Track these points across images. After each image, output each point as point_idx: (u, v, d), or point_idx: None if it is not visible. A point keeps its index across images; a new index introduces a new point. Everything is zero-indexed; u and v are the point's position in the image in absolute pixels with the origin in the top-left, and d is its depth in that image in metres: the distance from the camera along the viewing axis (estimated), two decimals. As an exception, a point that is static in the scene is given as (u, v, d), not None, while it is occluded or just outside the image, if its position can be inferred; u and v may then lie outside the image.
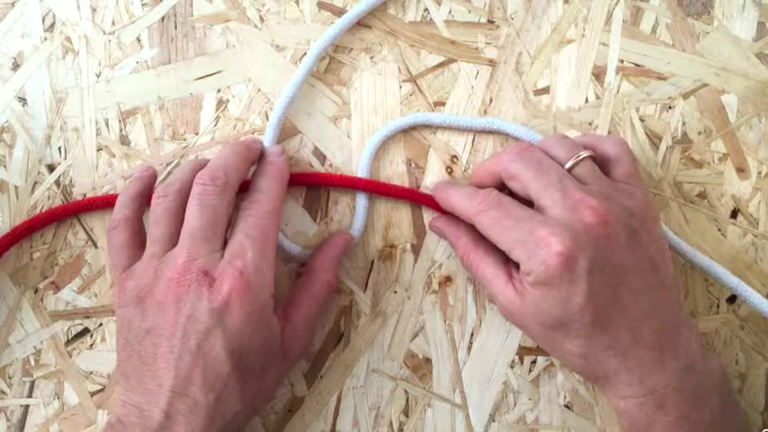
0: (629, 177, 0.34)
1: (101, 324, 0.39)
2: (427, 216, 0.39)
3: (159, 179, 0.39)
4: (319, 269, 0.36)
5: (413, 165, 0.40)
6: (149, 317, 0.32)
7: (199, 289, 0.31)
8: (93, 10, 0.40)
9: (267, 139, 0.38)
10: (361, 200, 0.39)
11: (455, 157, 0.39)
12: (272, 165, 0.36)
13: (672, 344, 0.32)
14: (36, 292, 0.39)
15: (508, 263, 0.34)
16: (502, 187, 0.35)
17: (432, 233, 0.39)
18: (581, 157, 0.34)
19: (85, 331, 0.39)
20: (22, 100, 0.40)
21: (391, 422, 0.39)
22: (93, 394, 0.38)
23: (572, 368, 0.36)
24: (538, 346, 0.39)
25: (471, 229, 0.36)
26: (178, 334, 0.31)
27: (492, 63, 0.40)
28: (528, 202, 0.34)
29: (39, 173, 0.39)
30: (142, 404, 0.31)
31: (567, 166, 0.34)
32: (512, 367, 0.39)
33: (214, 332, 0.31)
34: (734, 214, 0.39)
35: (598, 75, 0.39)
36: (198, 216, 0.32)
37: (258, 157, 0.37)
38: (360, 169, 0.39)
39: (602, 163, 0.35)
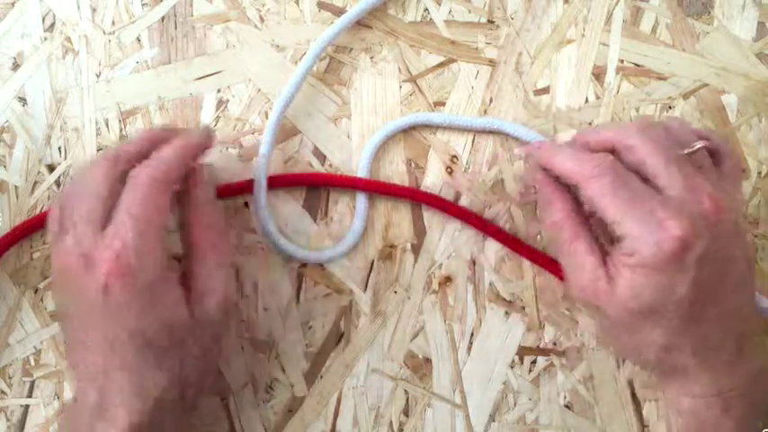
0: (734, 174, 0.33)
1: None
2: (427, 216, 0.39)
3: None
4: (200, 221, 0.34)
5: (413, 165, 0.40)
6: (59, 300, 0.32)
7: (80, 274, 0.30)
8: (93, 10, 0.40)
9: (266, 139, 0.38)
10: (362, 200, 0.39)
11: (455, 157, 0.39)
12: (185, 136, 0.34)
13: (748, 347, 0.32)
14: (36, 292, 0.39)
15: (601, 247, 0.33)
16: None
17: (432, 232, 0.39)
18: (698, 146, 0.32)
19: (85, 331, 0.39)
20: (22, 100, 0.40)
21: (391, 422, 0.39)
22: (93, 394, 0.38)
23: (642, 362, 0.34)
24: (538, 346, 0.39)
25: (573, 195, 0.33)
26: (81, 318, 0.31)
27: (492, 63, 0.40)
28: None
29: (39, 173, 0.39)
30: (81, 385, 0.31)
31: (686, 152, 0.32)
32: (512, 367, 0.39)
33: (107, 316, 0.30)
34: (734, 214, 0.39)
35: (598, 75, 0.39)
36: (84, 196, 0.31)
37: (170, 138, 0.34)
38: (360, 169, 0.39)
39: (711, 155, 0.33)
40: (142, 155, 0.32)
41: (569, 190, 0.34)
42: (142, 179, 0.31)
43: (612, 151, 0.32)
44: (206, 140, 0.35)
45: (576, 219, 0.33)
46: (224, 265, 0.33)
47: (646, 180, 0.31)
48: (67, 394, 0.38)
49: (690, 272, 0.30)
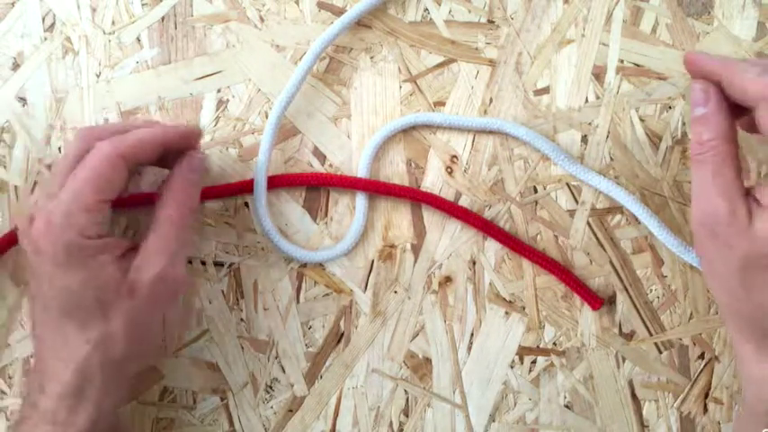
0: None
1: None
2: (427, 216, 0.39)
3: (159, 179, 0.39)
4: (167, 195, 0.33)
5: (413, 165, 0.40)
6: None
7: (23, 233, 0.31)
8: (93, 10, 0.40)
9: (266, 139, 0.38)
10: (361, 200, 0.39)
11: (455, 157, 0.39)
12: (168, 126, 0.34)
13: None
14: (36, 292, 0.39)
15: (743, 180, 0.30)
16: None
17: (432, 232, 0.39)
18: None
19: (85, 331, 0.39)
20: (22, 100, 0.40)
21: (391, 422, 0.39)
22: (93, 394, 0.38)
23: (750, 318, 0.30)
24: (538, 346, 0.39)
25: (733, 118, 0.30)
26: (31, 283, 0.32)
27: (492, 63, 0.40)
28: None
29: (39, 173, 0.39)
30: (33, 349, 0.33)
31: None
32: (512, 367, 0.39)
33: (36, 275, 0.31)
34: (734, 214, 0.39)
35: (598, 75, 0.39)
36: (52, 170, 0.33)
37: (183, 142, 0.35)
38: (360, 169, 0.39)
39: None
40: (117, 134, 0.32)
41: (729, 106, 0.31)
42: (103, 151, 0.31)
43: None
44: (188, 136, 0.35)
45: (731, 142, 0.30)
46: (174, 243, 0.33)
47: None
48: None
49: None
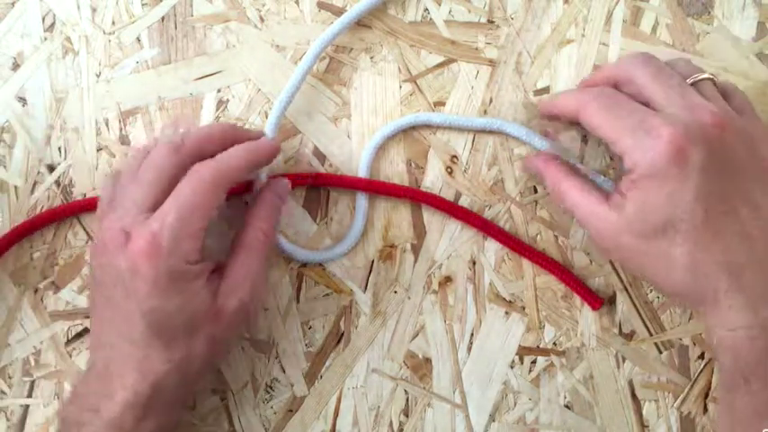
0: (745, 109, 0.33)
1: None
2: (427, 216, 0.39)
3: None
4: (253, 221, 0.35)
5: (413, 165, 0.40)
6: (95, 270, 0.33)
7: (117, 248, 0.31)
8: (93, 10, 0.40)
9: (267, 139, 0.38)
10: (361, 200, 0.39)
11: (455, 157, 0.39)
12: (249, 143, 0.34)
13: None
14: (36, 292, 0.39)
15: (600, 190, 0.34)
16: None
17: (432, 232, 0.39)
18: (702, 76, 0.33)
19: (85, 331, 0.39)
20: (22, 100, 0.40)
21: (391, 422, 0.39)
22: (93, 394, 0.38)
23: (675, 287, 0.32)
24: (538, 346, 0.39)
25: (566, 164, 0.36)
26: (107, 290, 0.32)
27: (492, 63, 0.40)
28: None
29: (39, 173, 0.39)
30: (93, 356, 0.34)
31: (689, 81, 0.33)
32: (512, 367, 0.39)
33: (129, 292, 0.31)
34: (734, 214, 0.39)
35: (598, 75, 0.39)
36: (139, 177, 0.32)
37: (239, 139, 0.35)
38: (360, 169, 0.39)
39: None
40: (204, 149, 0.33)
41: (560, 160, 0.36)
42: (202, 175, 0.32)
43: (615, 87, 0.34)
44: (272, 153, 0.35)
45: (569, 177, 0.35)
46: (259, 271, 0.34)
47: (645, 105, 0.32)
48: (68, 394, 0.38)
49: (692, 177, 0.29)
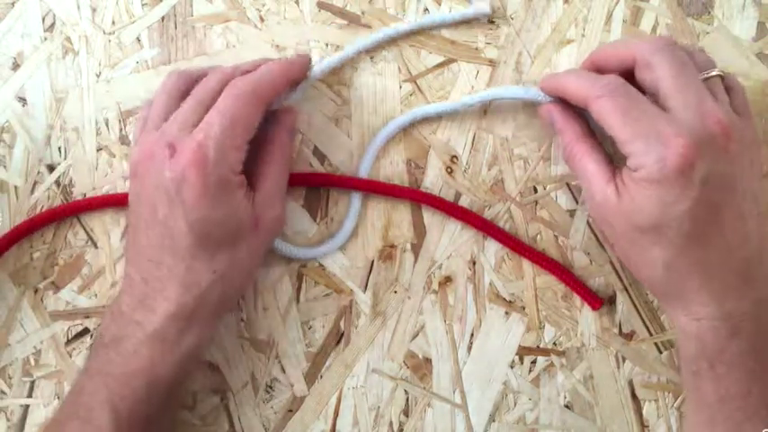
0: (745, 110, 0.34)
1: (101, 324, 0.39)
2: (427, 216, 0.39)
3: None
4: (273, 138, 0.36)
5: (413, 165, 0.40)
6: (134, 188, 0.33)
7: (162, 160, 0.31)
8: (93, 10, 0.40)
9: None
10: (356, 201, 0.39)
11: (455, 156, 0.39)
12: (287, 59, 0.36)
13: (755, 274, 0.32)
14: (36, 292, 0.39)
15: (611, 163, 0.34)
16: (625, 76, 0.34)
17: (432, 232, 0.39)
18: (713, 73, 0.33)
19: (85, 331, 0.39)
20: (22, 100, 0.40)
21: (391, 422, 0.39)
22: (93, 394, 0.38)
23: (648, 279, 0.34)
24: (538, 346, 0.39)
25: (584, 121, 0.35)
26: (149, 204, 0.32)
27: (492, 63, 0.40)
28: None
29: (39, 173, 0.39)
30: (130, 272, 0.34)
31: (701, 77, 0.33)
32: (512, 367, 0.39)
33: (175, 203, 0.31)
34: (734, 214, 0.39)
35: (598, 75, 0.39)
36: (188, 103, 0.33)
37: (295, 76, 0.37)
38: (362, 170, 0.39)
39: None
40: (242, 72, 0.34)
41: (579, 116, 0.35)
42: (243, 88, 0.33)
43: (629, 68, 0.33)
44: (305, 66, 0.37)
45: (586, 140, 0.35)
46: (284, 188, 0.36)
47: (656, 99, 0.32)
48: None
49: (693, 190, 0.30)
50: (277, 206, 0.35)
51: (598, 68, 0.35)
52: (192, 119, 0.32)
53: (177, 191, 0.31)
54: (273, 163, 0.35)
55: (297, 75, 0.36)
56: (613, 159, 0.34)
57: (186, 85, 0.34)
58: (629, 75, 0.33)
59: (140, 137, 0.34)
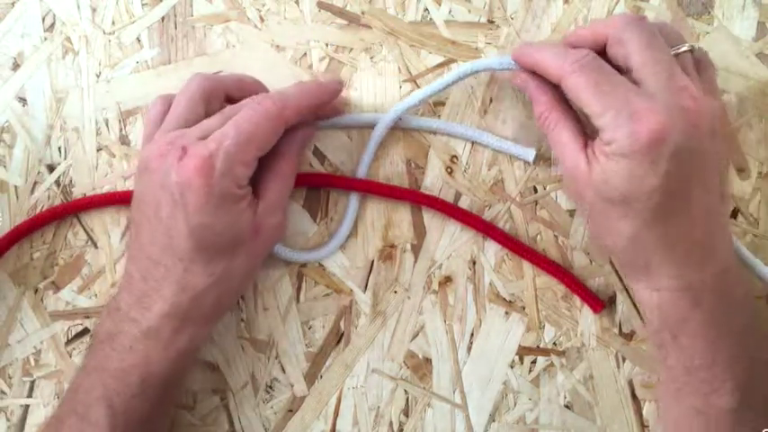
0: (713, 86, 0.34)
1: (98, 321, 0.39)
2: (427, 216, 0.39)
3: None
4: (285, 151, 0.36)
5: (413, 165, 0.40)
6: (140, 184, 0.34)
7: (172, 161, 0.32)
8: (93, 10, 0.40)
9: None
10: (353, 202, 0.39)
11: (455, 157, 0.39)
12: (313, 82, 0.36)
13: (718, 246, 0.32)
14: (36, 292, 0.39)
15: (584, 132, 0.34)
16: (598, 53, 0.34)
17: (432, 232, 0.39)
18: (684, 48, 0.33)
19: (85, 331, 0.39)
20: (22, 100, 0.40)
21: (391, 422, 0.39)
22: (93, 394, 0.38)
23: (613, 250, 0.34)
24: (538, 346, 0.39)
25: (557, 89, 0.35)
26: (154, 203, 0.32)
27: (492, 63, 0.40)
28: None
29: (39, 173, 0.39)
30: (131, 269, 0.34)
31: (672, 52, 0.33)
32: (512, 367, 0.39)
33: (178, 205, 0.32)
34: (734, 214, 0.39)
35: (598, 75, 0.39)
36: (215, 117, 0.34)
37: (326, 109, 0.38)
38: (360, 171, 0.39)
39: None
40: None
41: (553, 85, 0.35)
42: (268, 108, 0.33)
43: (602, 47, 0.34)
44: (334, 92, 0.37)
45: (559, 109, 0.34)
46: (287, 197, 0.36)
47: (629, 75, 0.32)
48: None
49: (662, 165, 0.30)
50: (279, 214, 0.35)
51: (572, 47, 0.35)
52: (208, 126, 0.33)
53: (181, 194, 0.31)
54: (281, 176, 0.35)
55: (326, 99, 0.36)
56: (587, 131, 0.34)
57: (208, 92, 0.35)
58: (602, 53, 0.33)
59: (156, 133, 0.34)
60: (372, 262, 0.39)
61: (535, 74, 0.35)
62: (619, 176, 0.31)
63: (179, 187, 0.31)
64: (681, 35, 0.34)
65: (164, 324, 0.32)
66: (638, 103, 0.30)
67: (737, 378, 0.32)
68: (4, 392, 0.39)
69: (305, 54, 0.40)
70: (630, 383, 0.39)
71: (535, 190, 0.39)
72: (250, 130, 0.32)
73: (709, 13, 0.40)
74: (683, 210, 0.31)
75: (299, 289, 0.39)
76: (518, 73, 0.36)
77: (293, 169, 0.36)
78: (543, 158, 0.39)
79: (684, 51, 0.33)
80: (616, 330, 0.39)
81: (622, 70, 0.33)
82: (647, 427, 0.39)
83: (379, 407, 0.39)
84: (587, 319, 0.39)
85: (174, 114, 0.34)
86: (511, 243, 0.38)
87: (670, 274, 0.32)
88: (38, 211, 0.39)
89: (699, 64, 0.34)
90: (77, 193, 0.39)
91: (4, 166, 0.39)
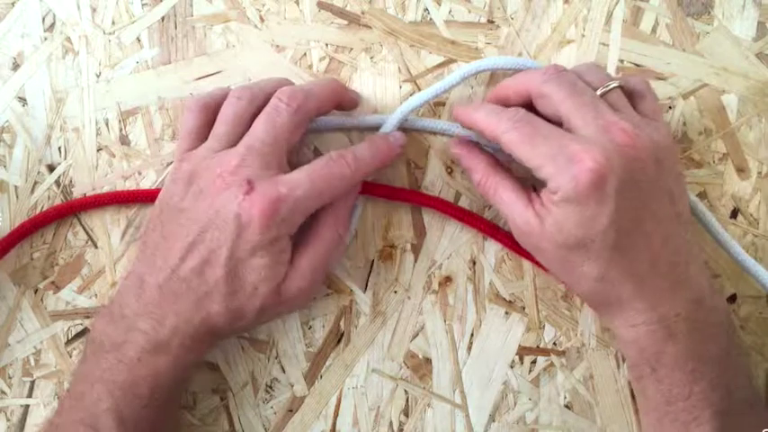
0: (654, 113, 0.34)
1: (95, 323, 0.39)
2: (427, 216, 0.39)
3: (160, 178, 0.39)
4: (332, 220, 0.35)
5: (413, 165, 0.40)
6: (188, 199, 0.33)
7: (236, 192, 0.32)
8: (93, 10, 0.40)
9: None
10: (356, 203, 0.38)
11: (455, 157, 0.39)
12: (384, 142, 0.36)
13: (684, 276, 0.33)
14: (36, 292, 0.39)
15: (527, 189, 0.34)
16: (527, 108, 0.35)
17: (432, 232, 0.39)
18: (612, 86, 0.34)
19: (85, 331, 0.39)
20: (22, 100, 0.40)
21: (391, 422, 0.39)
22: (93, 394, 0.38)
23: (584, 293, 0.35)
24: (538, 346, 0.39)
25: (490, 156, 0.36)
26: (201, 222, 0.32)
27: (492, 63, 0.40)
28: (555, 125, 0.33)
29: (39, 173, 0.39)
30: (145, 274, 0.33)
31: (599, 92, 0.34)
32: (512, 367, 0.39)
33: (227, 234, 0.32)
34: (734, 214, 0.39)
35: (598, 75, 0.39)
36: (263, 129, 0.34)
37: (345, 98, 0.38)
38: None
39: (627, 97, 0.35)
40: (321, 110, 0.36)
41: (485, 152, 0.36)
42: (341, 167, 0.34)
43: (528, 100, 0.35)
44: (399, 153, 0.37)
45: (496, 172, 0.35)
46: (326, 262, 0.35)
47: (561, 125, 0.33)
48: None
49: (609, 203, 0.31)
50: (303, 284, 0.34)
51: (503, 103, 0.36)
52: (272, 155, 0.33)
53: (237, 226, 0.32)
54: (317, 242, 0.35)
55: (387, 162, 0.37)
56: (536, 187, 0.34)
57: (250, 109, 0.35)
58: (532, 105, 0.34)
59: (200, 149, 0.34)
60: (372, 262, 0.39)
61: (465, 143, 0.37)
62: (571, 221, 0.31)
63: (238, 220, 0.32)
64: (606, 74, 0.35)
65: (175, 340, 0.33)
66: (573, 147, 0.31)
67: (716, 405, 0.32)
68: (4, 392, 0.39)
69: (305, 54, 0.40)
70: (630, 383, 0.39)
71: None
72: (322, 188, 0.33)
73: (709, 13, 0.40)
74: (640, 242, 0.32)
75: (299, 289, 0.39)
76: (452, 146, 0.38)
77: (336, 240, 0.35)
78: (543, 158, 0.39)
79: (613, 88, 0.34)
80: (616, 330, 0.39)
81: (555, 121, 0.33)
82: (647, 427, 0.39)
83: (379, 407, 0.39)
84: (587, 319, 0.39)
85: (221, 132, 0.34)
86: (509, 240, 0.38)
87: (642, 308, 0.32)
88: (38, 211, 0.39)
89: (633, 95, 0.35)
90: (77, 193, 0.39)
91: (4, 166, 0.39)
